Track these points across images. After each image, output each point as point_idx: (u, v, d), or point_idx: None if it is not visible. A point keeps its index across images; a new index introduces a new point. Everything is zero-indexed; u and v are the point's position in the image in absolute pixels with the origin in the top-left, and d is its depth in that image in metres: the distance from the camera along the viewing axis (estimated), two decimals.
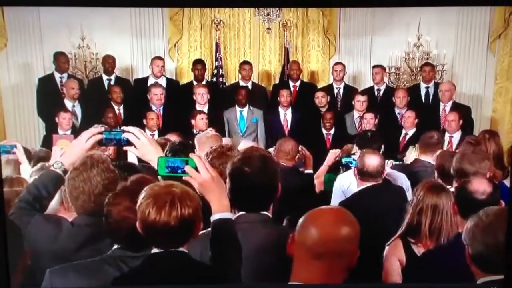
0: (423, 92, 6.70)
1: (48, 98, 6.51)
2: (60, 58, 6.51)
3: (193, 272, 1.77)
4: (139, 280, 1.77)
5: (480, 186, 2.29)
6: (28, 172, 3.30)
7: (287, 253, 1.62)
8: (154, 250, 1.80)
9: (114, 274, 1.83)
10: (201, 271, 1.79)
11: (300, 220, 1.62)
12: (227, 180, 2.18)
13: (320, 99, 6.44)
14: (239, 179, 2.15)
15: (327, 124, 6.12)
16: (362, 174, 3.33)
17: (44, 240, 2.13)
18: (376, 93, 6.77)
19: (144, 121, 5.93)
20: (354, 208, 3.15)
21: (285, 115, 6.43)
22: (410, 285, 2.36)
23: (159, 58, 6.72)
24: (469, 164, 3.02)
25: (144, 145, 2.16)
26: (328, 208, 1.66)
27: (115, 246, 1.95)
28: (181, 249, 1.76)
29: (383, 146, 3.95)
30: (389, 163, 3.95)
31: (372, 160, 3.31)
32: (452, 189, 2.78)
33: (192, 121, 5.72)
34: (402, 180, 3.72)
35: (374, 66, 6.80)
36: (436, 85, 6.58)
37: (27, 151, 3.73)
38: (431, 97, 6.61)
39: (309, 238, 1.55)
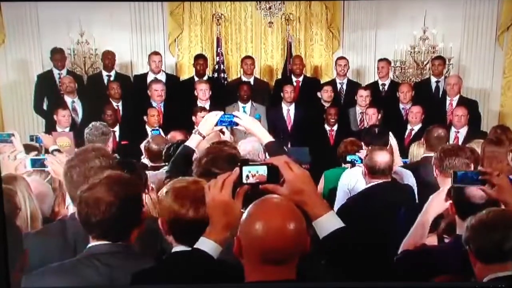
0: (433, 86, 6.58)
1: (47, 95, 6.46)
2: (55, 55, 6.44)
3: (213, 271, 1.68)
4: (161, 277, 1.72)
5: (478, 191, 2.20)
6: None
7: (235, 256, 1.52)
8: (178, 248, 1.78)
9: (90, 274, 1.82)
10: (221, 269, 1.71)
11: (242, 222, 1.50)
12: None
13: (330, 93, 6.33)
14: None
15: (331, 120, 6.02)
16: (374, 172, 3.29)
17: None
18: (381, 88, 6.65)
19: (145, 117, 5.85)
20: (362, 205, 3.14)
21: (288, 111, 6.33)
22: (414, 284, 2.23)
23: (156, 53, 6.63)
24: (456, 159, 2.95)
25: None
26: (269, 207, 1.51)
27: (90, 244, 1.91)
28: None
29: (390, 142, 3.86)
30: None
31: (382, 157, 3.28)
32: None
33: (193, 118, 5.61)
34: (409, 178, 3.65)
35: (380, 60, 6.69)
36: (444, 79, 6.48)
37: None
38: (441, 92, 6.50)
39: (256, 244, 1.45)
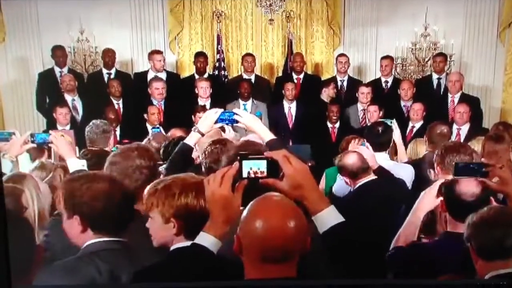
0: (434, 83, 6.56)
1: (48, 93, 6.44)
2: (57, 52, 6.43)
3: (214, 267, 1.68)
4: (163, 274, 1.72)
5: (468, 189, 2.19)
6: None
7: (235, 253, 1.52)
8: (178, 245, 1.77)
9: (91, 271, 1.80)
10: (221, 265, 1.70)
11: (242, 220, 1.50)
12: None
13: (333, 90, 6.34)
14: None
15: (333, 118, 6.00)
16: (353, 174, 3.33)
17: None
18: (384, 85, 6.62)
19: (145, 115, 5.82)
20: (352, 207, 3.13)
21: (290, 109, 6.30)
22: (415, 281, 2.24)
23: (158, 52, 6.59)
24: (458, 156, 2.90)
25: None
26: (269, 205, 1.51)
27: (88, 242, 1.90)
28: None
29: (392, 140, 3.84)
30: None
31: (351, 158, 3.32)
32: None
33: (193, 118, 5.58)
34: (408, 171, 3.61)
35: (383, 58, 6.65)
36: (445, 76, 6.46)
37: None
38: (442, 88, 6.48)
39: (256, 242, 1.45)
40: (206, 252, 1.61)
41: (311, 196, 1.61)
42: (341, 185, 3.62)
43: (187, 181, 1.83)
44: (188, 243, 1.73)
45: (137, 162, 2.33)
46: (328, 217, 1.61)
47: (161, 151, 3.60)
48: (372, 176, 3.34)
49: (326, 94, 6.42)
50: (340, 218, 1.62)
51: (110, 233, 1.91)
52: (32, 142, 3.16)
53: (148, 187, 1.89)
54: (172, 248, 1.82)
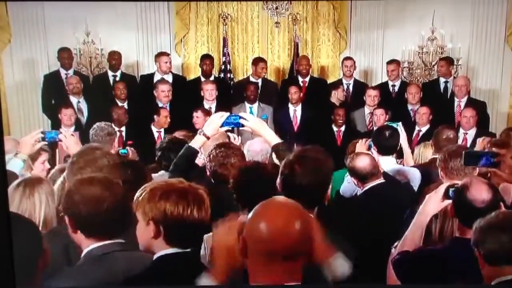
0: (441, 87, 6.52)
1: (53, 95, 6.45)
2: (63, 54, 6.44)
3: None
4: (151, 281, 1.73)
5: (480, 195, 2.15)
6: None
7: (240, 257, 1.52)
8: (164, 252, 1.76)
9: (101, 275, 1.78)
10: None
11: (248, 222, 1.50)
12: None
13: (343, 92, 6.31)
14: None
15: (339, 121, 5.97)
16: (363, 177, 3.28)
17: None
18: (391, 89, 6.60)
19: (155, 117, 5.76)
20: (360, 210, 3.10)
21: (295, 112, 6.28)
22: (422, 286, 2.22)
23: (165, 54, 6.59)
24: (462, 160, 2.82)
25: None
26: (274, 207, 1.52)
27: (89, 248, 1.87)
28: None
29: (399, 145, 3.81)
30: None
31: (364, 160, 3.27)
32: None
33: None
34: (415, 175, 3.59)
35: (389, 62, 6.60)
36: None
37: None
38: (449, 92, 6.44)
39: (260, 244, 1.45)
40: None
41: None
42: (348, 186, 3.60)
43: (172, 186, 1.81)
44: (172, 250, 1.76)
45: (105, 161, 2.29)
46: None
47: (157, 152, 3.55)
48: (380, 180, 3.31)
49: (336, 96, 6.38)
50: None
51: (114, 236, 1.90)
52: (43, 140, 3.14)
53: (141, 188, 1.90)
54: (155, 256, 1.81)
